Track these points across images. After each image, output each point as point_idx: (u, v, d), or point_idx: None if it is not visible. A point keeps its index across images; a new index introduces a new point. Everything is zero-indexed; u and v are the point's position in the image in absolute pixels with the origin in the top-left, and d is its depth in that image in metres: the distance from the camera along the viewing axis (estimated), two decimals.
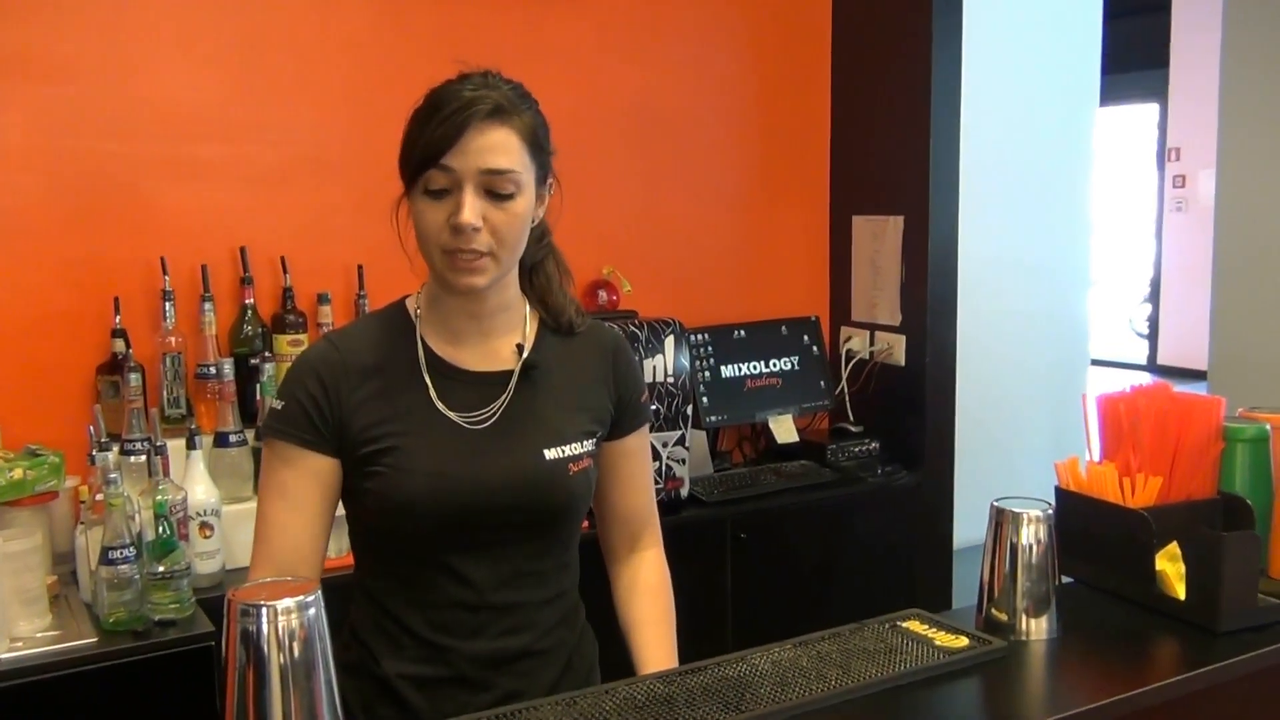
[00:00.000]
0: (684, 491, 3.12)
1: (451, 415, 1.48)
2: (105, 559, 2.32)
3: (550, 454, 1.50)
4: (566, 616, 1.58)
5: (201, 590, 2.49)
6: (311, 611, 1.01)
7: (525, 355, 1.52)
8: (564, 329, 1.58)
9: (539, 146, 1.45)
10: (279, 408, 1.48)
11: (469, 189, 1.39)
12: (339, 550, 2.23)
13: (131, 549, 2.34)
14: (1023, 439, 5.45)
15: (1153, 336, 10.26)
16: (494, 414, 1.50)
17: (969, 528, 4.17)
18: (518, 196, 1.42)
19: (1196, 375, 9.15)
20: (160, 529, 2.38)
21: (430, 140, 1.38)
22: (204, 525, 2.58)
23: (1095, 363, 7.12)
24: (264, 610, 0.99)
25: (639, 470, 1.67)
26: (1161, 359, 10.05)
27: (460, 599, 1.48)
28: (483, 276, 1.43)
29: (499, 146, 1.39)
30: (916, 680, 1.36)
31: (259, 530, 1.49)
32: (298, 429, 1.46)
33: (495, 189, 1.40)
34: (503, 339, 1.53)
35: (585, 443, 1.55)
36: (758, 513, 3.19)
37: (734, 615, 3.14)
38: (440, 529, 1.46)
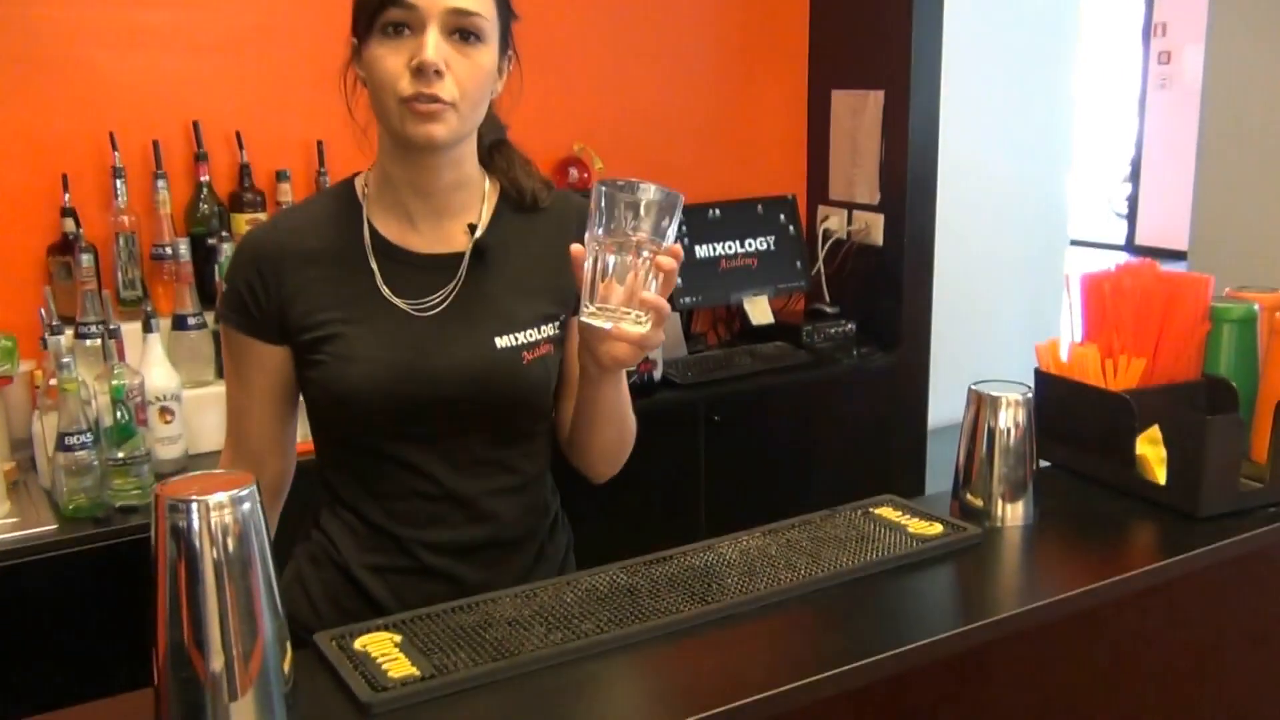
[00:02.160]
0: (657, 374, 3.07)
1: (398, 302, 1.40)
2: (62, 445, 2.27)
3: (501, 342, 1.42)
4: (535, 505, 1.51)
5: (165, 476, 2.44)
6: (246, 506, 0.95)
7: (478, 235, 1.44)
8: (528, 204, 1.48)
9: (506, 1, 1.36)
10: (225, 292, 1.42)
11: (433, 27, 1.28)
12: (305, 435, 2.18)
13: (89, 435, 2.29)
14: (1000, 320, 5.41)
15: (1131, 217, 10.18)
16: (444, 300, 1.42)
17: (945, 409, 4.16)
18: (483, 45, 1.32)
19: (1175, 255, 9.14)
20: (118, 414, 2.33)
21: None
22: (164, 410, 2.52)
23: (1074, 243, 7.07)
24: (194, 505, 0.93)
25: None
26: (1140, 239, 10.00)
27: (416, 488, 1.43)
28: (443, 126, 1.32)
29: None
30: (888, 568, 1.32)
31: (228, 415, 1.47)
32: (240, 315, 1.40)
33: (463, 28, 1.30)
34: (456, 219, 1.44)
35: (544, 327, 1.46)
36: (732, 395, 3.15)
37: (707, 499, 3.12)
38: (386, 420, 1.39)
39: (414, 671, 1.08)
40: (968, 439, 1.48)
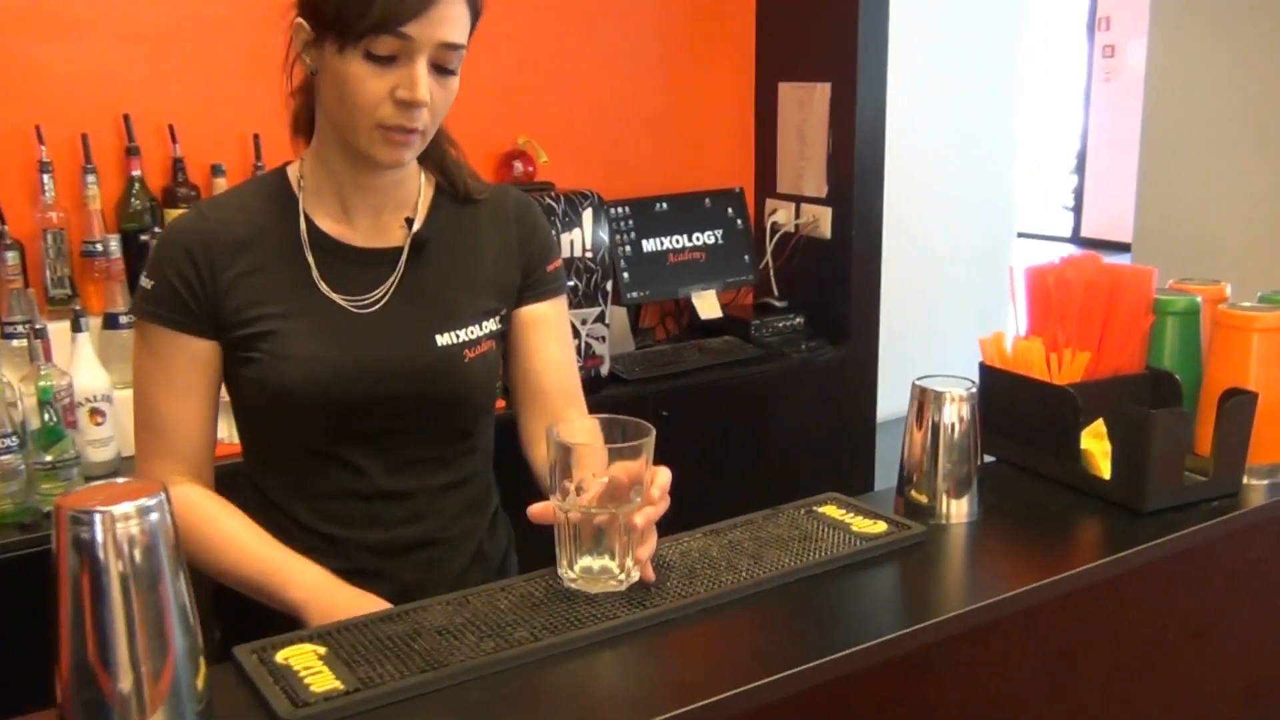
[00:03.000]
0: (604, 369, 3.04)
1: (335, 297, 1.36)
2: None
3: (442, 339, 1.39)
4: (474, 502, 1.48)
5: (96, 480, 2.37)
6: (154, 517, 0.90)
7: (416, 229, 1.40)
8: (460, 195, 1.45)
9: (476, 18, 1.33)
10: (149, 287, 1.35)
11: (421, 62, 1.25)
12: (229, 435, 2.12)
13: (14, 438, 2.22)
14: (948, 313, 5.43)
15: (1077, 209, 10.28)
16: (383, 296, 1.38)
17: (893, 401, 4.16)
18: (457, 72, 1.31)
19: (1120, 248, 9.24)
20: (45, 416, 2.27)
21: (392, 1, 1.22)
22: (94, 411, 2.45)
23: (1021, 235, 7.12)
24: (98, 517, 0.88)
25: (552, 342, 1.50)
26: (1086, 231, 10.10)
27: (351, 488, 1.39)
28: (411, 151, 1.32)
29: (458, 18, 1.27)
30: (831, 569, 1.29)
31: (146, 420, 1.37)
32: (171, 310, 1.34)
33: (443, 64, 1.28)
34: (394, 213, 1.40)
35: (486, 323, 1.43)
36: (680, 390, 3.13)
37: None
38: (324, 420, 1.35)
39: (337, 685, 1.03)
40: (911, 435, 1.45)
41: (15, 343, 2.41)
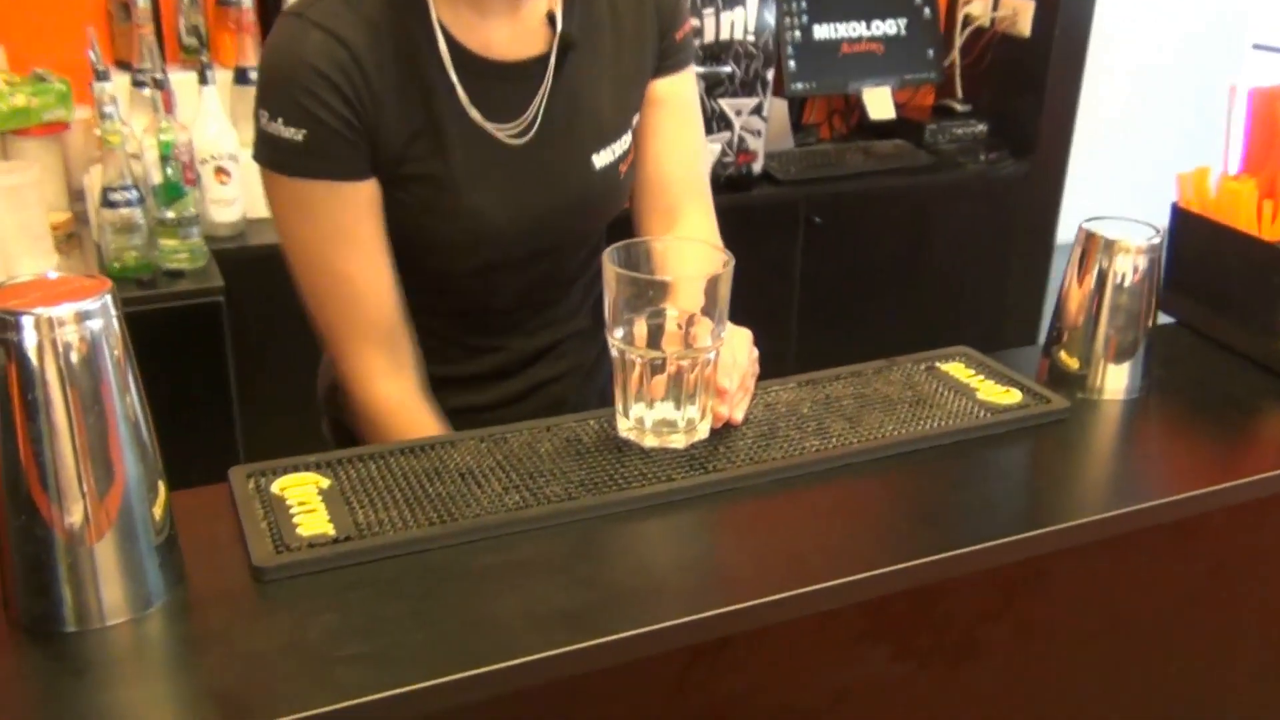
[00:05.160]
0: (756, 166, 2.80)
1: (488, 127, 1.16)
2: (106, 201, 2.16)
3: (600, 160, 1.22)
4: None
5: (218, 241, 2.34)
6: (96, 323, 0.75)
7: (561, 29, 1.17)
8: None
9: None
10: (299, 139, 1.08)
11: None
12: None
13: (134, 191, 2.16)
14: (1153, 135, 4.86)
15: None
16: (533, 120, 1.18)
17: (1073, 226, 3.77)
18: None
19: None
20: (167, 171, 2.18)
21: None
22: (220, 170, 2.37)
23: (1258, 48, 6.33)
24: (27, 320, 0.73)
25: (678, 123, 1.30)
26: None
27: (491, 304, 1.27)
28: None
29: None
30: (943, 444, 1.07)
31: (331, 292, 1.16)
32: (336, 161, 1.10)
33: None
34: (530, 7, 1.17)
35: (633, 122, 1.27)
36: (837, 196, 2.87)
37: (800, 311, 2.88)
38: (481, 265, 1.21)
39: (327, 530, 0.89)
40: (1070, 286, 1.19)
41: (146, 91, 2.32)
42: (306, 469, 0.98)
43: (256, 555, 0.86)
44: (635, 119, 1.27)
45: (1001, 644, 1.01)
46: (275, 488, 0.94)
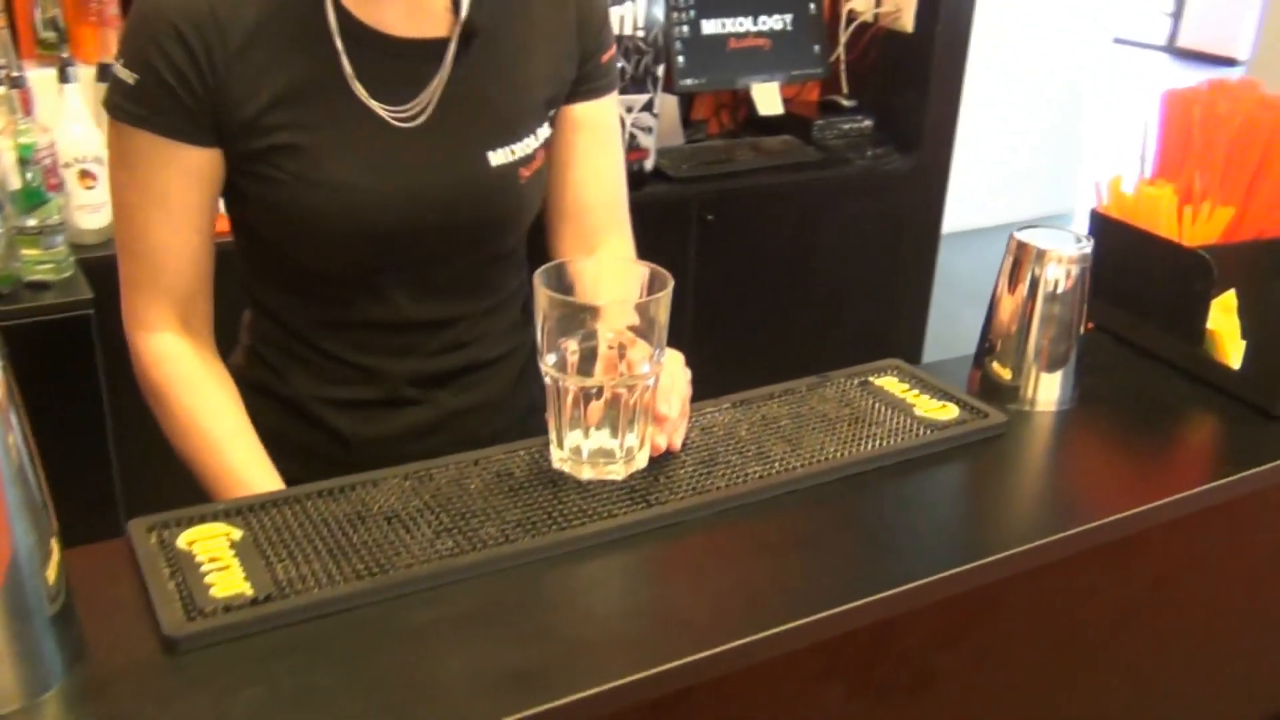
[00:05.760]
0: (648, 164, 2.76)
1: (373, 105, 1.08)
2: None
3: (496, 158, 1.14)
4: (516, 321, 1.28)
5: (86, 249, 2.20)
6: None
7: (465, 13, 1.10)
8: None
9: None
10: (130, 82, 1.03)
11: None
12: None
13: None
14: (1029, 124, 4.98)
15: (1177, 15, 9.50)
16: (427, 103, 1.10)
17: (959, 213, 3.81)
18: None
19: (1220, 62, 8.57)
20: (27, 176, 2.03)
21: None
22: (85, 173, 2.23)
23: (1118, 42, 6.56)
24: None
25: (600, 149, 1.26)
26: (1184, 41, 9.36)
27: (383, 318, 1.18)
28: None
29: None
30: (885, 465, 1.03)
31: (129, 244, 1.11)
32: (162, 114, 1.04)
33: None
34: None
35: (539, 130, 1.19)
36: (729, 193, 2.85)
37: (695, 309, 2.85)
38: (356, 252, 1.12)
39: (244, 590, 0.80)
40: (1001, 296, 1.18)
41: (0, 90, 2.15)
42: (215, 518, 0.89)
43: (166, 623, 0.77)
44: (544, 128, 1.20)
45: (956, 671, 0.98)
46: (181, 542, 0.86)
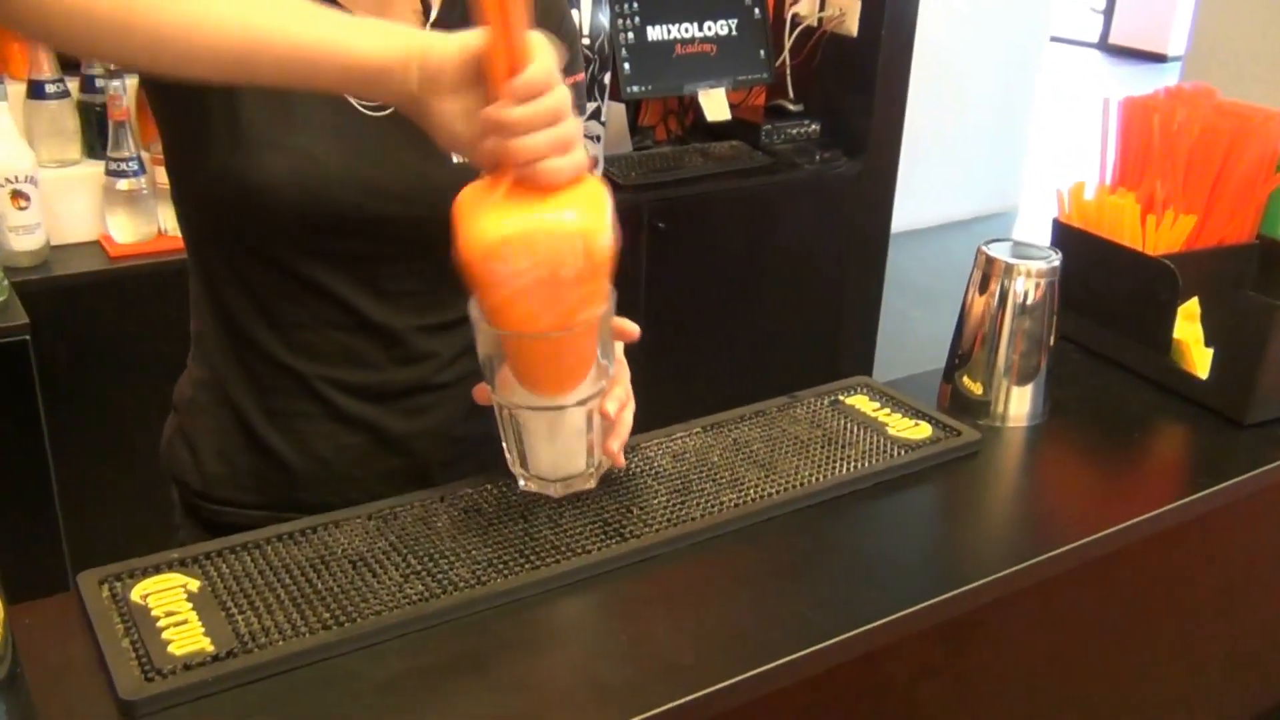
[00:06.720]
0: (597, 172, 2.70)
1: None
2: None
3: (459, 157, 1.10)
4: (471, 346, 1.22)
5: (19, 272, 2.12)
6: None
7: (435, 15, 1.08)
8: None
9: None
10: None
11: None
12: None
13: None
14: (970, 118, 5.01)
15: (1109, 12, 9.64)
16: None
17: (907, 212, 3.81)
18: None
19: (1151, 58, 8.71)
20: None
21: None
22: (17, 194, 2.15)
23: (1056, 40, 6.63)
24: None
25: None
26: (1115, 38, 9.50)
27: (328, 317, 1.12)
28: None
29: None
30: (861, 488, 1.01)
31: None
32: None
33: None
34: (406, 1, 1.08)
35: None
36: (679, 200, 2.82)
37: (648, 315, 2.82)
38: (300, 230, 1.07)
39: (205, 646, 0.76)
40: (971, 311, 1.16)
41: None
42: (170, 568, 0.85)
43: (122, 686, 0.73)
44: None
45: (940, 698, 0.96)
46: (135, 595, 0.81)
